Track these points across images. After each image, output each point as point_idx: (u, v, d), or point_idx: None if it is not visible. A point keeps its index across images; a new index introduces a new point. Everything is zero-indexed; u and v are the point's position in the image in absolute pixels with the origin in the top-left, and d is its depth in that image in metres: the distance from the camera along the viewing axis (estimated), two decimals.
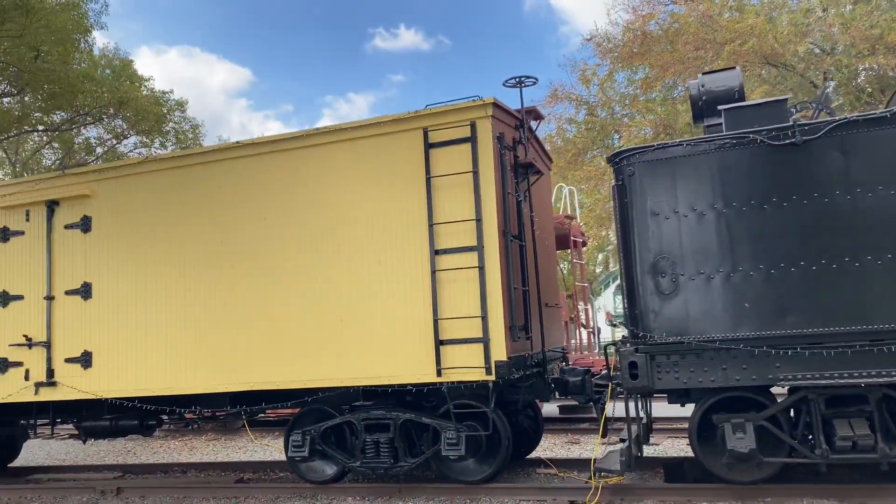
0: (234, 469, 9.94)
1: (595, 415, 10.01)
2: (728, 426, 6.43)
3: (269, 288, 7.90)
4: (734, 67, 7.84)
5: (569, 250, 14.62)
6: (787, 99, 6.87)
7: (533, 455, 9.14)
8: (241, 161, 8.28)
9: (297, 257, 7.84)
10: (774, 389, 6.67)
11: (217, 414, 8.85)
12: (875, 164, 6.14)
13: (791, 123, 6.40)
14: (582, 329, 14.73)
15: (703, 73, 7.83)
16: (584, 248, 15.31)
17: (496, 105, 7.44)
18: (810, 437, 6.44)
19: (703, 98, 7.51)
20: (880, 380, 6.01)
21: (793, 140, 6.32)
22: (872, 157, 6.15)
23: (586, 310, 14.69)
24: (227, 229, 8.17)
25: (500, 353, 7.01)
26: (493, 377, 6.99)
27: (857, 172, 6.17)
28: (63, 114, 23.52)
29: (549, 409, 13.54)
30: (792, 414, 6.70)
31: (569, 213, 14.90)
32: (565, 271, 16.31)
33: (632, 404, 6.90)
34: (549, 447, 10.45)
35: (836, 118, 6.34)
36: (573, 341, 14.90)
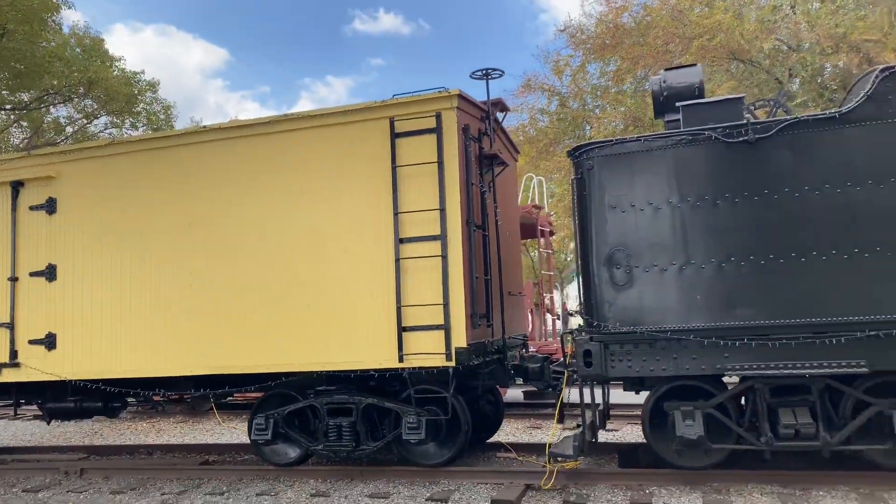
0: (200, 451, 10.03)
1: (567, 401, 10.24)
2: (678, 413, 6.66)
3: (235, 273, 7.96)
4: (695, 64, 8.01)
5: (537, 239, 14.81)
6: (742, 97, 7.06)
7: (493, 439, 9.35)
8: (208, 146, 8.30)
9: (263, 243, 7.90)
10: (732, 379, 6.90)
11: (184, 397, 8.92)
12: (823, 163, 6.34)
13: (745, 122, 6.60)
14: (548, 316, 14.97)
15: (666, 70, 8.00)
16: (552, 238, 15.51)
17: (461, 97, 7.55)
18: (757, 424, 6.69)
19: (665, 94, 7.65)
20: (822, 371, 6.26)
21: (746, 138, 6.52)
22: (821, 156, 6.36)
23: (551, 298, 14.92)
24: (194, 214, 8.20)
25: (460, 339, 7.17)
26: (453, 363, 7.15)
27: (806, 171, 6.37)
28: (31, 93, 23.13)
29: (514, 394, 13.79)
30: (743, 402, 6.94)
31: (537, 202, 15.08)
32: (535, 260, 16.53)
33: (587, 391, 7.11)
34: (512, 432, 10.67)
35: (787, 117, 6.54)
36: (542, 328, 15.15)
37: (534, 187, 15.56)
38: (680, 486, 6.79)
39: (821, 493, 6.40)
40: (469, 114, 7.88)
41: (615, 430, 10.13)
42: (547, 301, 14.87)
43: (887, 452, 6.38)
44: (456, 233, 7.31)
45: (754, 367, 6.42)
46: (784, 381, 6.49)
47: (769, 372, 6.39)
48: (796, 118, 6.47)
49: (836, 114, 6.35)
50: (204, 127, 8.51)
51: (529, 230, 14.12)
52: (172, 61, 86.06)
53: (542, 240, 14.68)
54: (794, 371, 6.32)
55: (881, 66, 6.38)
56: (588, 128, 21.17)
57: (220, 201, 8.12)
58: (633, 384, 7.29)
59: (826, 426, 6.42)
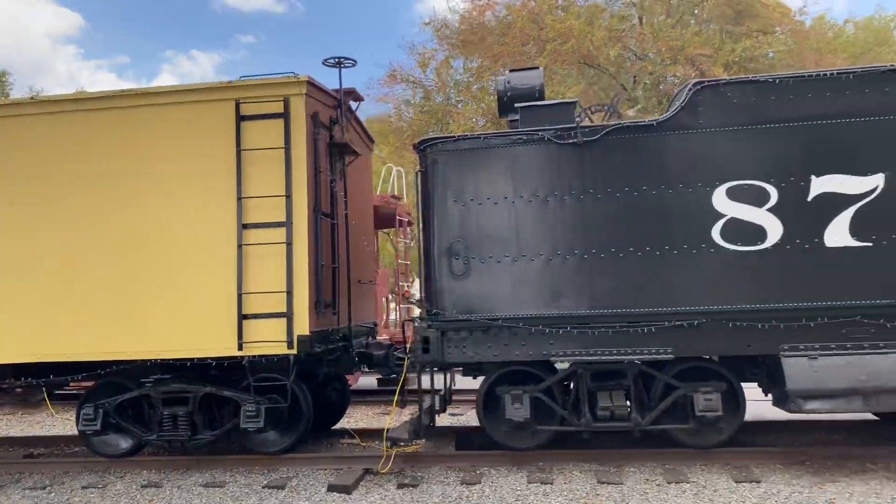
0: (25, 444, 9.41)
1: (412, 386, 10.46)
2: (507, 397, 7.06)
3: (63, 255, 7.54)
4: (538, 67, 8.43)
5: (396, 229, 14.99)
6: (575, 102, 7.51)
7: (339, 426, 9.45)
8: (41, 118, 7.81)
9: (97, 225, 7.52)
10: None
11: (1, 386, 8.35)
12: (642, 166, 6.90)
13: (574, 125, 7.05)
14: (404, 304, 15.22)
15: (510, 71, 8.37)
16: (410, 228, 15.75)
17: (311, 83, 7.54)
18: (579, 408, 7.20)
19: (508, 94, 8.00)
20: (635, 357, 6.85)
21: (575, 140, 6.98)
22: (640, 160, 6.91)
23: (408, 286, 15.19)
24: (22, 191, 7.67)
25: (303, 327, 7.19)
26: (294, 351, 7.17)
27: (627, 173, 6.91)
28: None
29: (369, 381, 13.92)
30: (572, 387, 7.43)
31: (396, 193, 15.26)
32: (394, 249, 16.69)
33: (425, 377, 7.36)
34: (362, 418, 10.79)
35: (612, 123, 7.07)
36: (397, 316, 15.37)
37: (394, 178, 15.72)
38: (508, 466, 7.18)
39: (632, 469, 6.99)
40: (319, 101, 7.89)
41: (460, 415, 10.49)
42: (404, 290, 15.11)
43: (689, 431, 7.09)
44: (302, 220, 7.31)
45: (577, 353, 6.91)
46: (602, 367, 7.02)
47: (589, 358, 6.90)
48: (619, 124, 7.00)
49: (654, 122, 6.93)
50: (33, 98, 7.97)
51: (388, 220, 14.26)
52: (17, 22, 78.95)
53: (401, 230, 14.88)
54: (611, 357, 6.87)
55: (694, 81, 7.03)
56: (451, 122, 21.61)
57: (51, 179, 7.64)
58: (472, 370, 7.63)
59: (639, 408, 7.03)
